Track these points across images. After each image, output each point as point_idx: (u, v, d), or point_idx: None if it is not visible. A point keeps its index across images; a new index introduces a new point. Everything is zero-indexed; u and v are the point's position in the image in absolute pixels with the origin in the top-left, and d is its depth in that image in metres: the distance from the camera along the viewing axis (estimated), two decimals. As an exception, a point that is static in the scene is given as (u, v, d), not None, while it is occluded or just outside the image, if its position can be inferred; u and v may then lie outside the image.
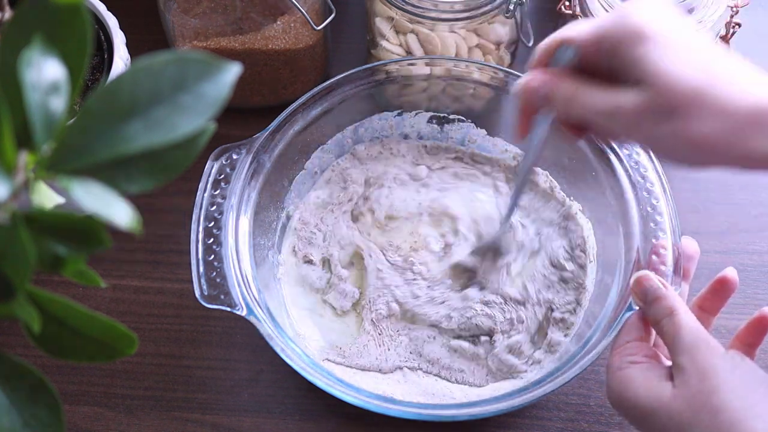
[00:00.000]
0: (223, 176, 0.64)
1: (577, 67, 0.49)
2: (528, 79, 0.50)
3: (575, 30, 0.49)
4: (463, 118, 0.73)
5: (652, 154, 0.65)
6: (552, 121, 0.53)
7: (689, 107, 0.44)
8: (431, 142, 0.74)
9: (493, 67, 0.70)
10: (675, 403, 0.48)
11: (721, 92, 0.44)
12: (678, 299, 0.54)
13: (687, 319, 0.52)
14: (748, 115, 0.43)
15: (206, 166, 0.64)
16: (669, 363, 0.53)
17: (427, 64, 0.70)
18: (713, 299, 0.57)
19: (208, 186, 0.63)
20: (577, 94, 0.48)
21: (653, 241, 0.61)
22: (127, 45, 0.69)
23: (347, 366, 0.64)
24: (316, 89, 0.68)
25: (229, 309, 0.59)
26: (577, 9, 0.72)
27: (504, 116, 0.72)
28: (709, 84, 0.44)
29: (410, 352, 0.65)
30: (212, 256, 0.61)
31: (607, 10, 0.69)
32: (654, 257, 0.60)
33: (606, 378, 0.54)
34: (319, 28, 0.71)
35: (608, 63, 0.47)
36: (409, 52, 0.73)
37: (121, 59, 0.67)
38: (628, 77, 0.46)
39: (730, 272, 0.57)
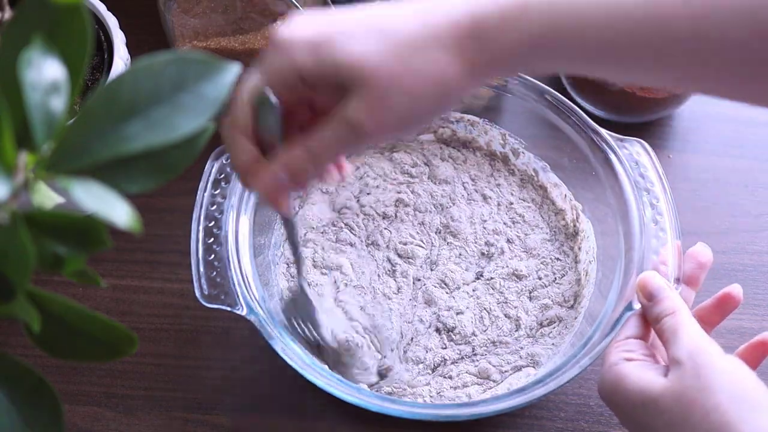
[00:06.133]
0: (223, 176, 0.64)
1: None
2: (263, 183, 0.48)
3: (251, 84, 0.47)
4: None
5: (652, 154, 0.65)
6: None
7: (381, 79, 0.44)
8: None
9: (493, 67, 0.70)
10: (667, 398, 0.48)
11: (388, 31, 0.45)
12: (681, 301, 0.54)
13: (688, 319, 0.52)
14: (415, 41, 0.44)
15: (206, 166, 0.64)
16: (665, 364, 0.53)
17: (427, 64, 0.70)
18: (714, 312, 0.57)
19: (209, 185, 0.63)
20: (315, 152, 0.47)
21: (654, 241, 0.61)
22: (127, 45, 0.69)
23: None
24: (316, 89, 0.68)
25: (229, 309, 0.59)
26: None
27: (505, 116, 0.72)
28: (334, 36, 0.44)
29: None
30: (212, 256, 0.61)
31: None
32: (654, 257, 0.60)
33: (601, 372, 0.54)
34: (319, 28, 0.71)
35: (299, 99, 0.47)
36: (409, 52, 0.73)
37: (121, 59, 0.67)
38: (339, 91, 0.45)
39: (736, 289, 0.57)
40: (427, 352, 0.64)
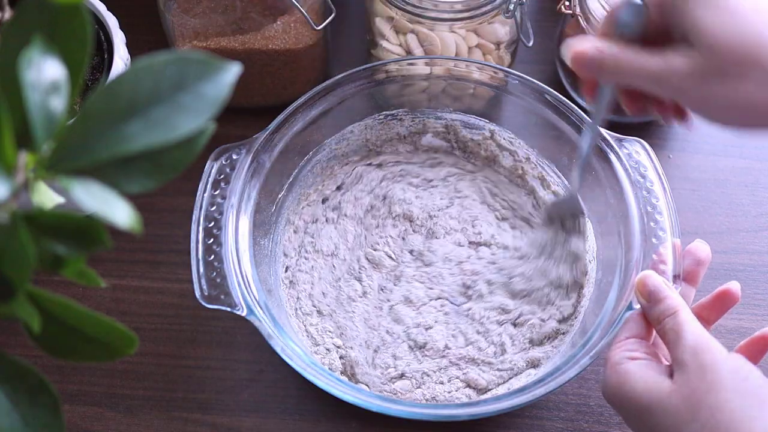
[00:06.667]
0: (223, 176, 0.64)
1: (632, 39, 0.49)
2: (576, 44, 0.50)
3: None
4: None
5: (652, 154, 0.65)
6: (612, 89, 0.53)
7: (743, 68, 0.43)
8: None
9: (493, 67, 0.70)
10: (673, 398, 0.48)
11: None
12: (681, 300, 0.53)
13: (690, 319, 0.52)
14: None
15: (206, 167, 0.64)
16: (668, 363, 0.53)
17: (427, 64, 0.70)
18: (712, 310, 0.57)
19: (208, 186, 0.63)
20: (626, 59, 0.47)
21: (654, 241, 0.61)
22: (127, 45, 0.69)
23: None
24: (316, 89, 0.68)
25: (229, 309, 0.59)
26: (577, 9, 0.72)
27: (504, 115, 0.72)
28: (765, 47, 0.44)
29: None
30: (212, 257, 0.61)
31: (606, 10, 0.69)
32: (654, 256, 0.60)
33: (603, 372, 0.54)
34: (319, 28, 0.71)
35: (661, 20, 0.47)
36: (409, 52, 0.73)
37: (121, 59, 0.67)
38: (681, 36, 0.46)
39: (734, 286, 0.57)
40: (396, 359, 0.64)
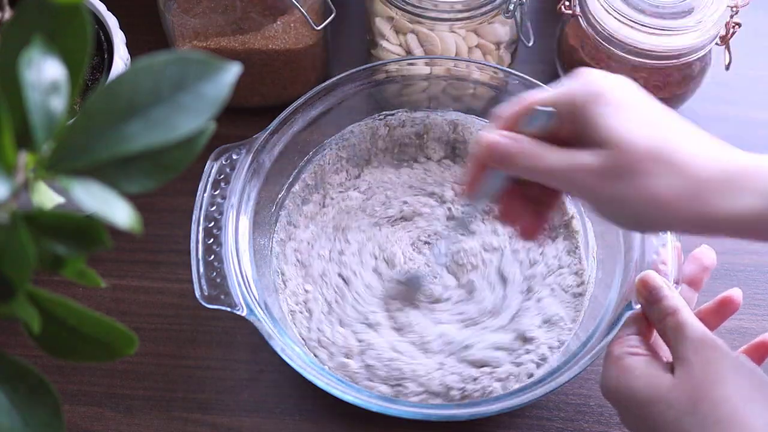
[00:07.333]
0: (223, 176, 0.64)
1: (539, 135, 0.49)
2: (494, 134, 0.49)
3: (543, 94, 0.49)
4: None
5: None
6: (504, 180, 0.52)
7: (649, 166, 0.45)
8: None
9: (493, 67, 0.70)
10: (675, 392, 0.48)
11: (683, 153, 0.45)
12: (681, 300, 0.54)
13: (691, 317, 0.52)
14: (711, 176, 0.44)
15: (206, 167, 0.64)
16: (668, 361, 0.53)
17: (427, 64, 0.70)
18: (713, 316, 0.57)
19: (208, 186, 0.64)
20: (540, 154, 0.48)
21: (654, 241, 0.61)
22: (127, 45, 0.69)
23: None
24: (316, 89, 0.68)
25: (229, 309, 0.59)
26: (577, 9, 0.72)
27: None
28: (669, 145, 0.45)
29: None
30: (212, 257, 0.61)
31: (606, 10, 0.69)
32: (654, 256, 0.60)
33: (603, 366, 0.54)
34: (319, 28, 0.71)
35: (571, 126, 0.48)
36: (409, 52, 0.73)
37: (121, 59, 0.67)
38: (589, 139, 0.47)
39: (736, 293, 0.57)
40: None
